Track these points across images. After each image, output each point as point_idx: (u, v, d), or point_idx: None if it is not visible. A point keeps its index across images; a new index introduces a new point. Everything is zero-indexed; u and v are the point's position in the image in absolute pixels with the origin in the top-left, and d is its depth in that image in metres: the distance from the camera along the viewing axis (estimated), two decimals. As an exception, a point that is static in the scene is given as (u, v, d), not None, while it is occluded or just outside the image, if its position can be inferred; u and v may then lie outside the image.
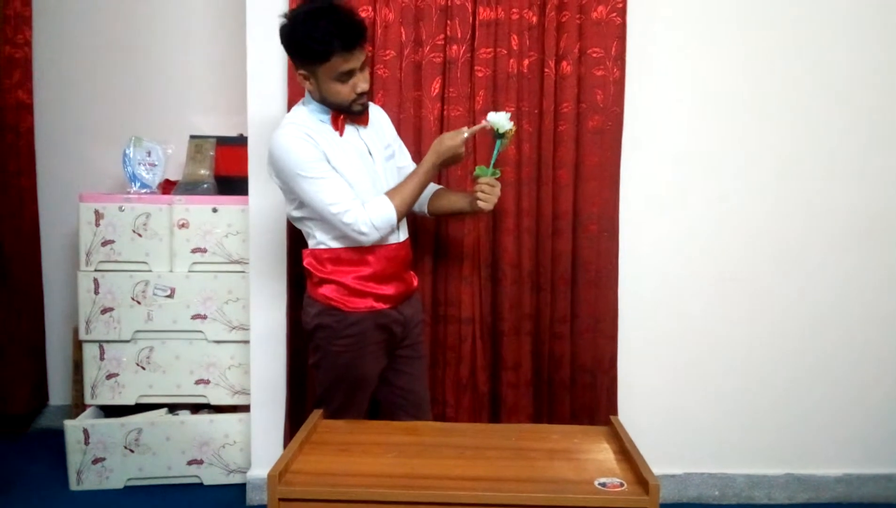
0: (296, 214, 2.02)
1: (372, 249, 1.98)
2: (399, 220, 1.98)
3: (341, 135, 1.97)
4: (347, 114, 1.96)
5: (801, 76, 2.53)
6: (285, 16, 1.94)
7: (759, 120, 2.54)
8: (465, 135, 1.97)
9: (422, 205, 2.18)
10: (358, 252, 1.98)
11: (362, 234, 1.92)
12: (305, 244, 2.22)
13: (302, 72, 1.93)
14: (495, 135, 1.99)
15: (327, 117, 1.97)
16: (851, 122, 2.56)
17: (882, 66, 2.54)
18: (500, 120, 1.98)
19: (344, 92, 1.91)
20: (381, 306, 2.01)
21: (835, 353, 2.63)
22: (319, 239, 2.00)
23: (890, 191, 2.59)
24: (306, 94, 2.00)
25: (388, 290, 2.02)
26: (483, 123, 1.99)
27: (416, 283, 2.15)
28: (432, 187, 2.19)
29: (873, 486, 2.66)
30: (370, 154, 2.02)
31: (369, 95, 1.99)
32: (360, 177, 1.96)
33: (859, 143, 2.56)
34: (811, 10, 2.51)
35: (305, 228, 2.04)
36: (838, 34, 2.52)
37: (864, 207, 2.59)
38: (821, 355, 2.63)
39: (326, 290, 1.99)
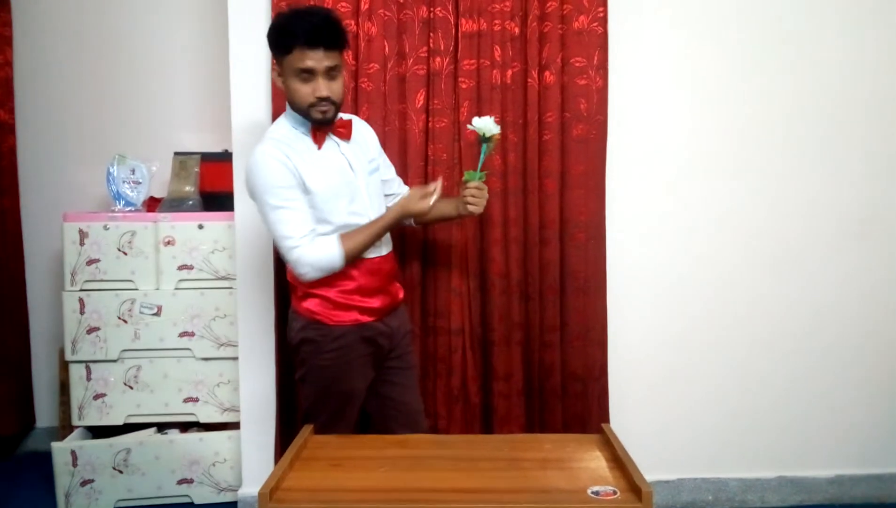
0: None
1: (356, 263, 1.97)
2: (344, 264, 1.94)
3: (319, 148, 1.97)
4: (310, 121, 1.95)
5: (789, 80, 2.56)
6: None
7: (747, 123, 2.56)
8: (434, 199, 1.97)
9: None
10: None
11: (301, 274, 1.92)
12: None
13: (277, 68, 1.95)
14: (481, 139, 2.01)
15: (307, 129, 1.97)
16: (842, 125, 2.58)
17: (881, 65, 2.57)
18: (486, 124, 1.99)
19: (303, 92, 1.90)
20: (365, 318, 2.00)
21: (825, 356, 2.65)
22: None
23: (888, 192, 2.61)
24: (287, 104, 2.01)
25: (374, 303, 2.01)
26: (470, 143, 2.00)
27: (401, 295, 2.15)
28: None
29: (865, 487, 2.67)
30: (351, 168, 2.01)
31: (348, 107, 1.99)
32: (338, 191, 1.96)
33: (851, 145, 2.59)
34: (802, 11, 2.54)
35: None
36: (833, 35, 2.55)
37: (858, 211, 2.61)
38: (812, 358, 2.65)
39: (311, 304, 1.99)
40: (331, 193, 1.94)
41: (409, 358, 2.18)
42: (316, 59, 1.87)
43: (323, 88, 1.89)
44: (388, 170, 2.20)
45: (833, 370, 2.65)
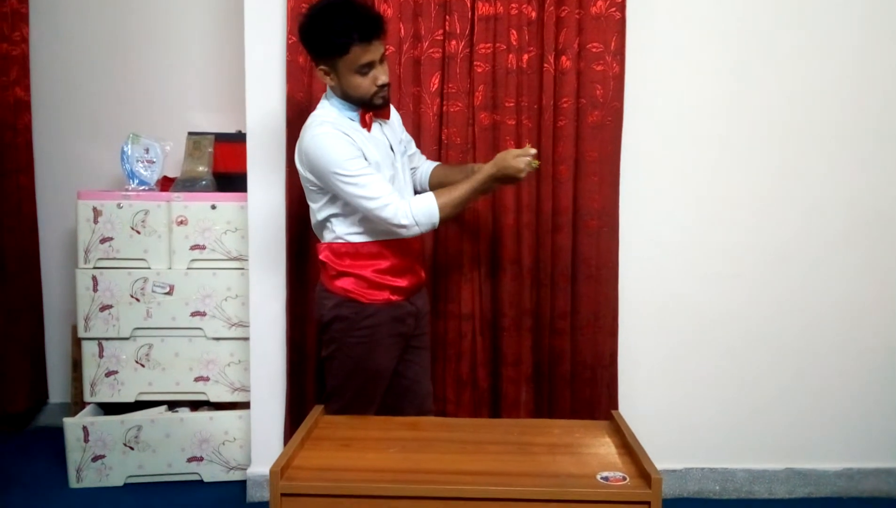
0: (324, 211, 1.99)
1: (390, 242, 1.99)
2: (442, 221, 1.95)
3: (369, 131, 1.99)
4: (369, 108, 1.97)
5: (803, 70, 2.53)
6: (303, 12, 1.96)
7: (761, 114, 2.54)
8: (532, 163, 1.95)
9: (423, 185, 2.21)
10: (377, 246, 1.99)
11: (402, 227, 1.92)
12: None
13: (323, 67, 1.94)
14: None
15: (355, 115, 1.98)
16: (853, 117, 2.55)
17: (886, 60, 2.53)
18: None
19: (364, 85, 1.92)
20: (396, 298, 2.02)
21: (835, 347, 2.63)
22: (338, 233, 1.99)
23: (893, 187, 2.58)
24: (328, 90, 2.00)
25: (402, 282, 2.03)
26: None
27: (423, 275, 2.17)
28: (430, 166, 2.23)
29: (873, 480, 2.66)
30: (392, 149, 2.04)
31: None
32: (386, 172, 1.97)
33: (861, 139, 2.56)
34: (814, 4, 2.51)
35: (326, 223, 2.02)
36: (840, 29, 2.52)
37: (866, 202, 2.58)
38: (821, 349, 2.63)
39: (345, 283, 2.00)
40: (384, 173, 1.96)
41: (425, 339, 2.21)
42: (373, 52, 1.89)
43: (383, 75, 1.93)
44: (411, 145, 2.23)
45: (843, 363, 2.63)
